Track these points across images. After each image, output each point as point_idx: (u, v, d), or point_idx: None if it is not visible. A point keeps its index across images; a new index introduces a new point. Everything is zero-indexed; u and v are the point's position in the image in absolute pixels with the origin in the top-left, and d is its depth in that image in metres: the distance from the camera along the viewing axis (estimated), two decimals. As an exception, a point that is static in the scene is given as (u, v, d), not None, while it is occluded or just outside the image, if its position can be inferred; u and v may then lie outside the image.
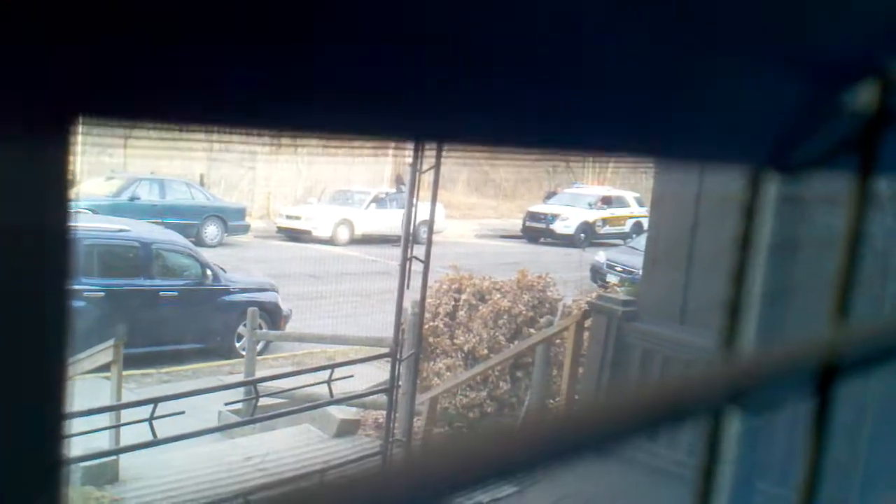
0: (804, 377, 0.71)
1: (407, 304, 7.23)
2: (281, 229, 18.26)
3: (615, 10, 0.55)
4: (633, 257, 12.90)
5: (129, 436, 5.99)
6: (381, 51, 0.47)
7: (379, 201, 18.78)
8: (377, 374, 8.25)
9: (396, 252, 7.59)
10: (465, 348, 8.94)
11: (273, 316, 10.40)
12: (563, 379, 7.05)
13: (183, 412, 6.00)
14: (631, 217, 20.63)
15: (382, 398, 7.18)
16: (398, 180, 19.58)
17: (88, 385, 6.66)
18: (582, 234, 19.79)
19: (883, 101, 0.76)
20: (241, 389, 7.77)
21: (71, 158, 0.41)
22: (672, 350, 5.52)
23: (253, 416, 6.89)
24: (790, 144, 0.78)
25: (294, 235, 17.83)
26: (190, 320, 9.88)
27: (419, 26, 0.48)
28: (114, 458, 6.12)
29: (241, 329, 9.83)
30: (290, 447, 7.25)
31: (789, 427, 3.80)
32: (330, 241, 17.58)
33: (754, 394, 0.65)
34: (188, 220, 15.31)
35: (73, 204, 0.41)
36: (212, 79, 0.44)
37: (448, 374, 8.70)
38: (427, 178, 7.12)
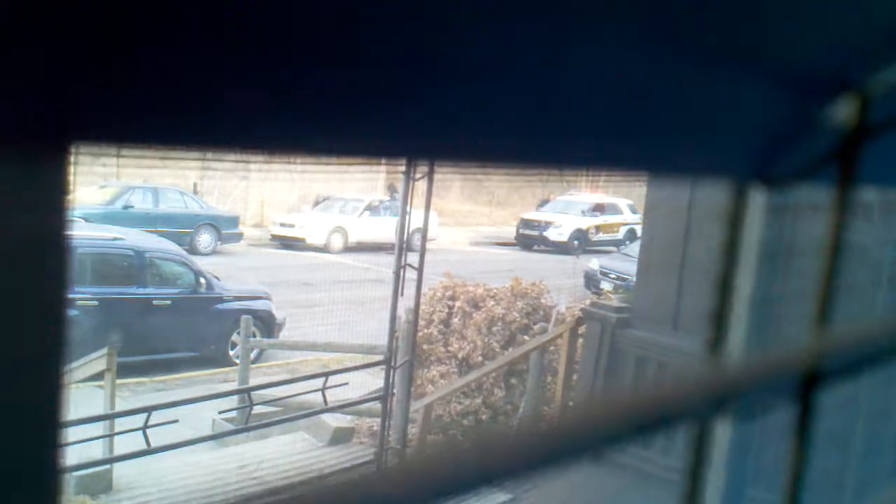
0: (789, 383, 0.73)
1: (401, 311, 7.23)
2: (275, 237, 18.24)
3: (603, 30, 0.57)
4: (626, 264, 12.92)
5: (122, 445, 5.98)
6: (373, 71, 0.49)
7: (373, 209, 18.79)
8: (371, 381, 8.24)
9: (390, 260, 7.60)
10: (460, 355, 8.94)
11: (267, 324, 10.39)
12: (557, 386, 7.07)
13: (177, 421, 5.99)
14: (624, 224, 20.66)
15: (377, 406, 7.18)
16: (391, 188, 19.59)
17: (82, 394, 6.65)
18: (575, 242, 19.81)
19: (862, 114, 0.78)
20: (235, 398, 7.74)
21: (68, 173, 0.41)
22: (666, 356, 5.54)
23: (247, 424, 6.88)
24: (773, 157, 0.79)
25: (288, 243, 17.82)
26: (184, 328, 9.87)
27: (410, 46, 0.50)
28: (108, 467, 6.11)
29: (234, 337, 9.82)
30: (285, 455, 7.25)
31: (779, 433, 3.81)
32: (324, 249, 17.57)
33: (741, 399, 0.67)
34: (182, 228, 15.29)
35: (70, 215, 0.41)
36: (206, 100, 0.44)
37: (442, 381, 8.70)
38: (421, 186, 7.14)
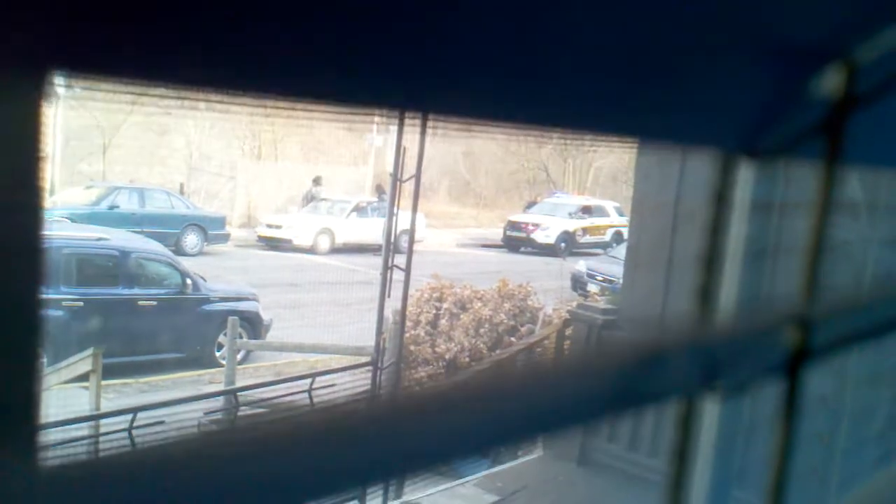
0: (774, 363, 0.73)
1: (388, 312, 7.23)
2: (261, 238, 18.19)
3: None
4: (613, 266, 12.95)
5: (108, 446, 5.94)
6: (367, 15, 0.48)
7: (360, 210, 18.77)
8: (358, 383, 8.23)
9: (377, 261, 7.60)
10: (447, 357, 8.95)
11: (254, 325, 10.36)
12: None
13: (162, 422, 5.97)
14: (611, 227, 20.71)
15: (363, 407, 7.16)
16: (379, 189, 19.59)
17: (67, 395, 6.61)
18: (562, 244, 19.84)
19: (850, 85, 0.78)
20: (222, 399, 7.73)
21: (44, 105, 0.39)
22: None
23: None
24: (760, 128, 0.79)
25: (275, 244, 17.76)
26: (170, 329, 9.82)
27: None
28: (92, 468, 6.06)
29: (221, 338, 9.78)
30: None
31: (764, 434, 3.83)
32: (311, 251, 17.53)
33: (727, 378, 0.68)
34: (168, 229, 15.22)
35: (44, 152, 0.40)
36: (192, 38, 0.43)
37: (429, 382, 8.70)
38: (408, 188, 7.14)
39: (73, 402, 6.41)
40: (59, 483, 0.42)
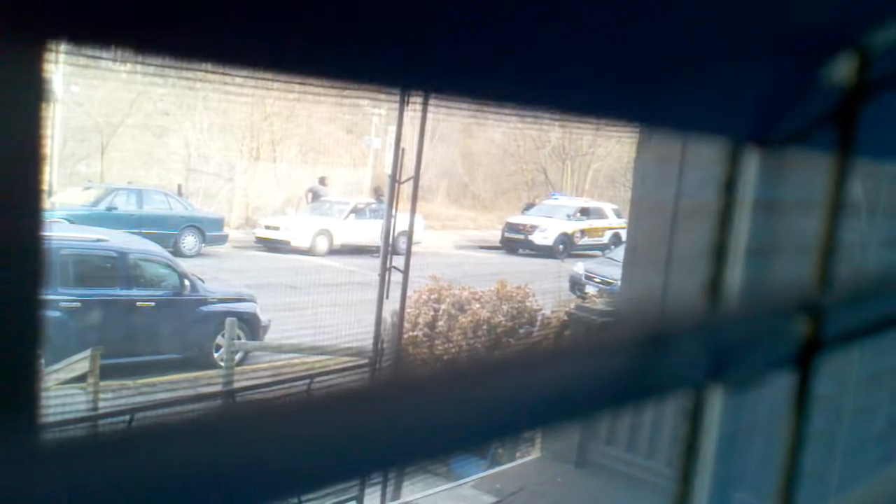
0: (782, 357, 0.73)
1: (386, 314, 7.23)
2: (259, 240, 18.17)
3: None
4: (611, 268, 12.95)
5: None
6: None
7: (358, 212, 18.76)
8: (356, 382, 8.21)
9: (376, 262, 7.59)
10: (445, 358, 8.94)
11: (251, 326, 10.34)
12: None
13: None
14: (609, 228, 20.72)
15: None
16: (377, 191, 19.61)
17: (65, 396, 6.60)
18: (560, 246, 19.84)
19: (862, 73, 0.77)
20: (219, 400, 7.71)
21: (46, 72, 0.38)
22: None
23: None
24: (769, 118, 0.78)
25: (273, 246, 17.75)
26: (168, 331, 9.81)
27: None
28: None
29: (219, 339, 9.77)
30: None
31: (767, 437, 3.83)
32: (309, 252, 17.51)
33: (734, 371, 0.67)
34: (166, 230, 15.20)
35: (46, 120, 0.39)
36: (195, 13, 0.43)
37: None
38: (406, 189, 7.14)
39: (72, 402, 6.40)
40: (59, 482, 0.41)
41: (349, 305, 11.72)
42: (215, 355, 9.99)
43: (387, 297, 7.12)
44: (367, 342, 7.48)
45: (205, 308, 10.22)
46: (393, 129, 8.09)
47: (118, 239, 10.36)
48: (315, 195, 19.86)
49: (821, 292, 0.79)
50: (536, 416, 0.65)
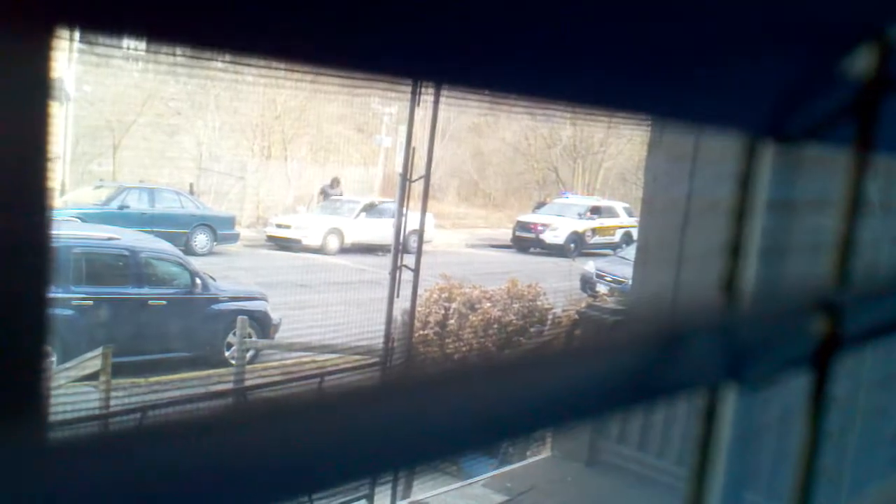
0: (800, 355, 0.72)
1: (397, 313, 7.23)
2: (270, 238, 18.21)
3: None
4: (622, 267, 12.92)
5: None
6: None
7: (369, 210, 18.78)
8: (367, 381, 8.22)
9: (386, 261, 7.59)
10: (456, 357, 8.94)
11: (262, 325, 10.36)
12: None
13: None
14: (620, 227, 20.67)
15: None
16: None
17: (77, 394, 6.63)
18: (571, 244, 19.81)
19: (882, 65, 0.75)
20: (231, 398, 7.73)
21: (53, 59, 0.37)
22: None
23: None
24: (787, 111, 0.77)
25: (284, 244, 17.79)
26: (179, 329, 9.84)
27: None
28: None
29: (230, 338, 9.79)
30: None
31: (781, 436, 3.81)
32: (320, 251, 17.54)
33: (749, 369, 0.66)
34: (177, 228, 15.25)
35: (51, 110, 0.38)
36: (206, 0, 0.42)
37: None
38: (417, 188, 7.14)
39: (83, 400, 6.42)
40: (68, 481, 0.41)
41: (360, 304, 11.74)
42: (226, 353, 10.01)
43: (397, 296, 7.12)
44: (378, 341, 7.48)
45: (216, 306, 10.25)
46: (403, 128, 8.09)
47: (130, 237, 10.40)
48: (326, 196, 19.96)
49: (837, 290, 0.78)
50: (548, 416, 0.65)
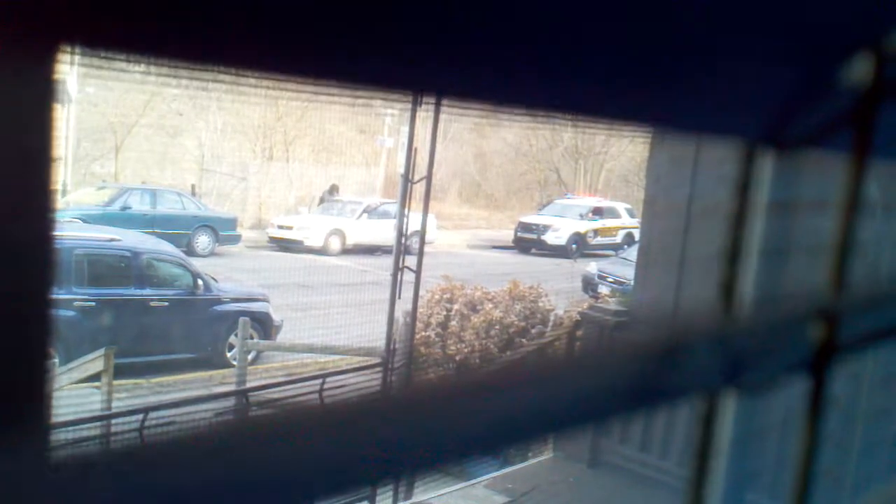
0: (798, 360, 0.72)
1: (399, 314, 7.23)
2: (272, 239, 18.23)
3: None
4: (624, 268, 12.91)
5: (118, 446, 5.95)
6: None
7: (370, 211, 18.79)
8: (369, 384, 8.23)
9: (388, 262, 7.60)
10: (457, 358, 8.94)
11: (264, 326, 10.37)
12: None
13: (174, 422, 5.98)
14: (622, 228, 20.67)
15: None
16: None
17: (79, 395, 6.63)
18: (573, 245, 19.81)
19: (880, 73, 0.76)
20: (232, 399, 7.74)
21: (56, 75, 0.38)
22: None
23: (244, 426, 6.85)
24: (784, 120, 0.77)
25: (286, 245, 17.80)
26: (181, 330, 9.85)
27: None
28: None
29: (232, 339, 9.81)
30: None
31: (781, 438, 3.81)
32: (321, 251, 17.55)
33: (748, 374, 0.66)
34: (179, 229, 15.27)
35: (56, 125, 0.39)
36: (207, 13, 0.42)
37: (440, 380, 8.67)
38: (419, 189, 7.14)
39: (85, 401, 6.43)
40: (69, 483, 0.41)
41: (362, 305, 11.75)
42: (228, 355, 10.03)
43: (399, 297, 7.12)
44: (380, 342, 7.49)
45: (218, 307, 10.26)
46: (405, 128, 8.09)
47: (132, 238, 10.41)
48: (323, 200, 20.02)
49: (836, 295, 0.78)
50: (550, 421, 0.65)
